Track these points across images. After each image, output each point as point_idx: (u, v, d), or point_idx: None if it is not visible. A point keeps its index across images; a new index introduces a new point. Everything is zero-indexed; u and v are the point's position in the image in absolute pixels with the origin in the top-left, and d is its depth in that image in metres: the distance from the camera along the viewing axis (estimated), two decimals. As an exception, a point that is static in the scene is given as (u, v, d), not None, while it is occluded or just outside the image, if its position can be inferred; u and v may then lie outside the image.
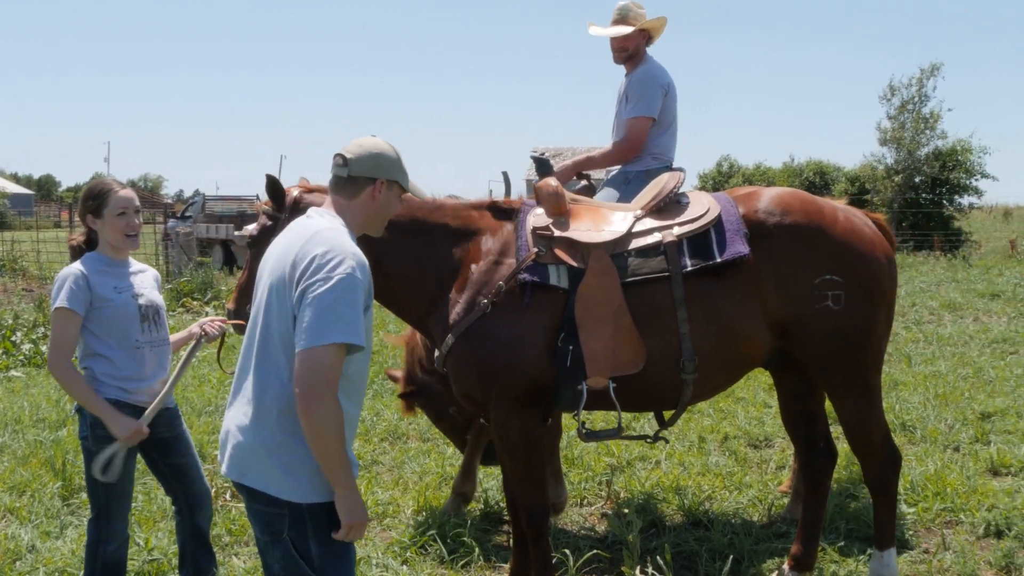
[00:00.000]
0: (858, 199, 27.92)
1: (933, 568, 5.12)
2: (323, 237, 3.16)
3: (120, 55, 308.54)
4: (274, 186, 4.77)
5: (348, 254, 3.10)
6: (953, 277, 18.40)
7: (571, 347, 4.36)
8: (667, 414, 4.82)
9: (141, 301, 4.40)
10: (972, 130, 51.28)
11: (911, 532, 5.60)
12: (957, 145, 29.06)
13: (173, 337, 4.71)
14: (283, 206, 4.78)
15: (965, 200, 29.75)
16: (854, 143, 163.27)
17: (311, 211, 3.40)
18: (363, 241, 3.50)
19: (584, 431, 4.63)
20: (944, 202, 29.10)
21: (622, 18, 6.09)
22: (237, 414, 3.24)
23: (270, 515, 3.16)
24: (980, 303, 14.96)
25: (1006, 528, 5.54)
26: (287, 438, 3.11)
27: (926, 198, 28.80)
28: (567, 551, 5.06)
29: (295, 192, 4.83)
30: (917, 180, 29.05)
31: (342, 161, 3.36)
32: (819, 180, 34.63)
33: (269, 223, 4.81)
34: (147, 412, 4.33)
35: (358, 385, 3.28)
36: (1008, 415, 8.06)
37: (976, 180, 29.29)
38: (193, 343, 4.63)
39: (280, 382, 3.13)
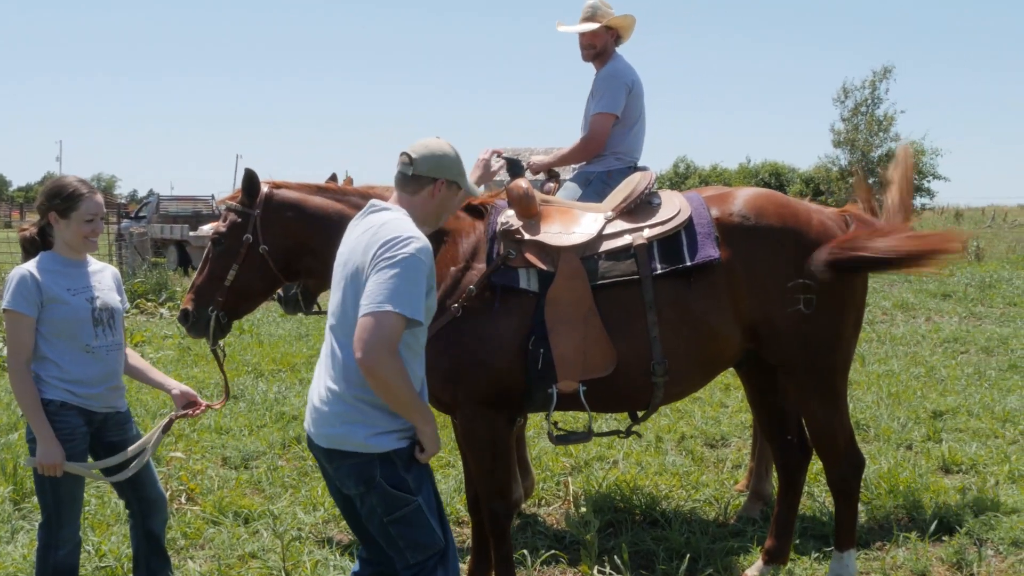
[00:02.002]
0: (813, 201, 28.19)
1: (886, 565, 5.18)
2: (393, 225, 3.48)
3: (73, 55, 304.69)
4: (252, 181, 4.66)
5: (415, 238, 3.43)
6: (905, 277, 18.62)
7: (542, 350, 4.35)
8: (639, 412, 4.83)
9: (96, 304, 4.29)
10: (925, 132, 52.07)
11: (865, 529, 5.66)
12: (910, 147, 29.50)
13: (154, 377, 4.63)
14: (255, 202, 4.67)
15: (917, 201, 30.22)
16: (809, 144, 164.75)
17: (375, 203, 3.68)
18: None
19: (555, 434, 4.63)
20: (897, 203, 29.45)
21: (590, 16, 6.14)
22: (320, 388, 3.57)
23: (362, 465, 3.48)
24: (932, 303, 15.16)
25: (957, 525, 5.61)
26: (365, 406, 3.45)
27: (879, 199, 29.18)
28: (526, 551, 5.07)
29: (265, 189, 4.72)
30: (871, 182, 29.43)
31: (408, 160, 3.66)
32: (774, 181, 34.99)
33: (239, 220, 4.67)
34: (87, 465, 4.29)
35: (420, 353, 3.62)
36: (959, 413, 8.18)
37: (929, 181, 29.79)
38: (166, 421, 4.55)
39: (351, 355, 3.40)
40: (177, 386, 4.59)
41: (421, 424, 3.47)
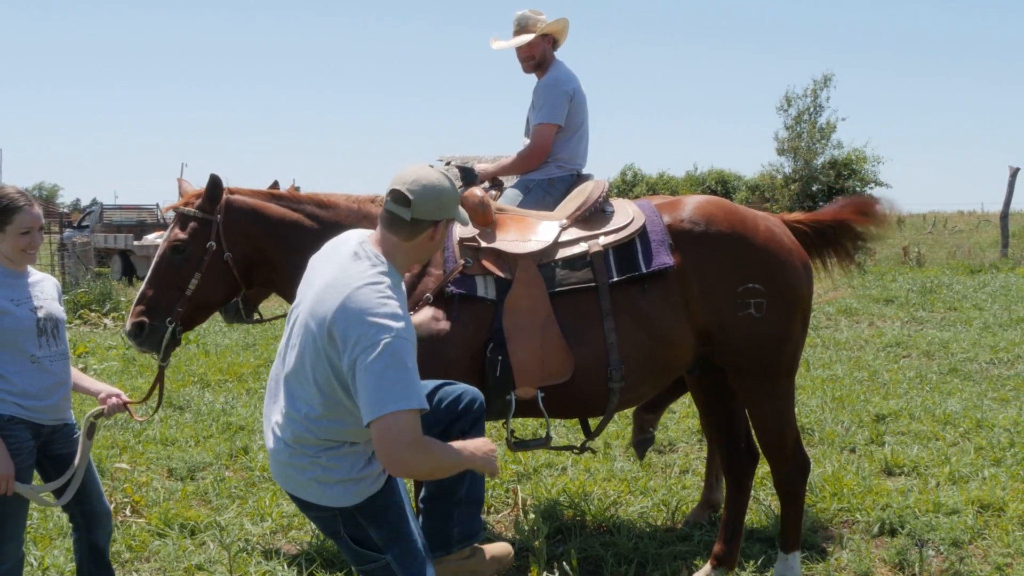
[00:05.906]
0: (758, 208, 28.48)
1: (830, 566, 5.25)
2: (362, 297, 3.12)
3: (13, 63, 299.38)
4: (215, 186, 4.54)
5: (392, 316, 3.09)
6: (849, 283, 18.90)
7: (500, 357, 4.36)
8: (593, 423, 4.86)
9: (40, 314, 4.23)
10: (866, 140, 52.82)
11: (809, 531, 5.73)
12: (852, 154, 29.93)
13: (83, 383, 4.53)
14: (216, 208, 4.56)
15: (859, 208, 30.57)
16: (754, 152, 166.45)
17: (360, 249, 3.32)
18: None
19: (513, 440, 4.64)
20: (840, 210, 29.86)
21: (522, 28, 6.06)
22: (270, 436, 3.43)
23: (324, 519, 3.42)
24: (875, 308, 15.40)
25: (899, 526, 5.71)
26: (315, 459, 3.31)
27: (823, 206, 29.62)
28: (474, 559, 5.05)
29: (225, 196, 4.62)
30: (814, 188, 29.84)
31: (404, 200, 3.26)
32: (720, 189, 35.35)
33: (200, 226, 4.54)
34: (37, 487, 4.25)
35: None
36: (901, 416, 8.32)
37: (871, 188, 30.21)
38: (87, 427, 4.43)
39: (305, 415, 3.29)
40: (106, 389, 4.51)
41: (467, 465, 3.31)
